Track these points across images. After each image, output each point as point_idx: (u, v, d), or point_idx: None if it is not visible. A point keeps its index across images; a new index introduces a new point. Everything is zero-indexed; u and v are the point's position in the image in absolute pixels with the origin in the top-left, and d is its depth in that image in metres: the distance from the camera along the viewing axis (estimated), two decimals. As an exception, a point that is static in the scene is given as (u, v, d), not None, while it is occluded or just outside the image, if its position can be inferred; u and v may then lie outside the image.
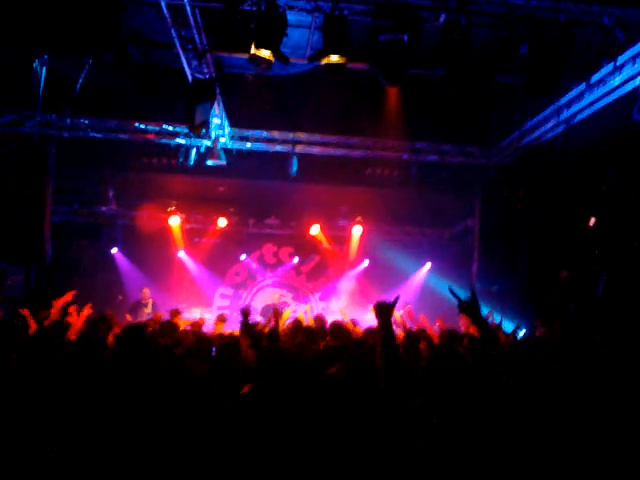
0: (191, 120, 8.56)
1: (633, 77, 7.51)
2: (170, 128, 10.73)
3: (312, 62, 6.88)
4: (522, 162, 10.64)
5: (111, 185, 12.89)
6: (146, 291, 11.00)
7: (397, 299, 3.34)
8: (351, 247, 14.16)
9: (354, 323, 7.43)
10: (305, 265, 14.74)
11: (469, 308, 3.32)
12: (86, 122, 10.70)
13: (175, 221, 13.29)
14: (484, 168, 11.51)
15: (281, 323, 6.64)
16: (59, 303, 5.97)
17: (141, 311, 10.43)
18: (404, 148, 11.09)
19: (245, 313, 7.08)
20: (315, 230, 13.75)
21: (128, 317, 8.69)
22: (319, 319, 7.01)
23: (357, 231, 13.75)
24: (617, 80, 7.74)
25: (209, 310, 13.86)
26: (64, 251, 11.78)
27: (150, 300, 10.87)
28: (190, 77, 8.25)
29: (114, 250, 13.57)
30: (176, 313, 8.10)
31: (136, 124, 10.74)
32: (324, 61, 6.70)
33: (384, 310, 3.25)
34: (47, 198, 11.19)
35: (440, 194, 12.13)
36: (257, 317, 7.87)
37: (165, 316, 7.99)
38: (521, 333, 8.34)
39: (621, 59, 7.46)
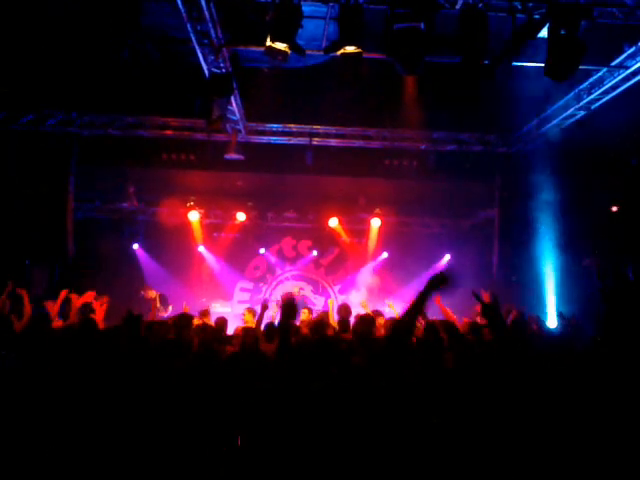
0: (208, 115, 8.58)
1: (654, 60, 7.39)
2: (188, 124, 10.82)
3: (328, 53, 6.83)
4: (542, 149, 10.50)
5: (131, 181, 12.99)
6: (147, 289, 10.88)
7: (451, 274, 3.19)
8: (370, 239, 14.12)
9: (378, 313, 7.35)
10: (324, 258, 14.73)
11: (489, 312, 3.29)
12: (105, 119, 10.83)
13: (194, 216, 13.36)
14: (503, 156, 11.39)
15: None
16: (79, 302, 6.05)
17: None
18: (422, 138, 11.03)
19: (264, 306, 7.11)
20: (334, 223, 13.73)
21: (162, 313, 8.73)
22: (345, 308, 6.95)
23: (376, 223, 13.70)
24: (638, 63, 7.61)
25: (229, 304, 13.94)
26: (87, 247, 11.92)
27: (155, 294, 10.69)
28: (207, 72, 8.27)
29: (135, 246, 13.70)
30: (205, 313, 8.01)
31: (155, 120, 10.84)
32: (340, 52, 6.67)
33: (435, 283, 3.15)
34: (69, 196, 11.35)
35: (459, 184, 12.03)
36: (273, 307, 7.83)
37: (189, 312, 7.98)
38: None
39: (642, 41, 7.34)
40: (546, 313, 10.43)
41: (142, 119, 10.85)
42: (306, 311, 8.29)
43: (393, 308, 8.14)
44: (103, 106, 10.50)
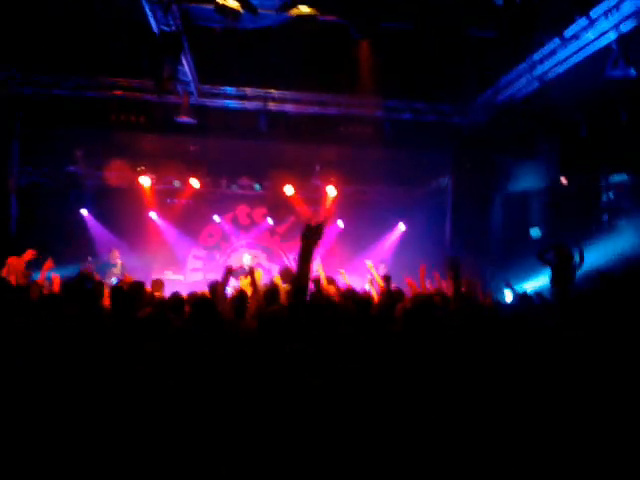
0: (158, 75, 8.30)
1: (607, 32, 7.44)
2: (138, 84, 10.43)
3: (281, 13, 6.66)
4: (496, 120, 10.58)
5: (79, 144, 12.53)
6: (115, 252, 10.81)
7: (323, 224, 3.29)
8: (325, 207, 14.09)
9: (331, 281, 7.34)
10: (280, 226, 14.65)
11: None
12: (50, 79, 10.34)
13: (146, 181, 13.03)
14: (458, 126, 11.44)
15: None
16: (18, 261, 5.82)
17: (110, 272, 10.26)
18: (377, 106, 10.93)
19: (229, 271, 6.96)
20: (289, 190, 13.62)
21: (96, 277, 8.51)
22: (287, 272, 6.91)
23: (331, 191, 13.66)
24: (591, 35, 7.65)
25: (182, 272, 13.77)
26: (32, 214, 11.48)
27: (119, 261, 10.70)
28: (156, 29, 7.95)
29: (84, 211, 13.30)
30: (159, 284, 7.74)
31: (103, 80, 10.41)
32: (294, 12, 6.52)
33: (310, 235, 3.21)
34: (12, 160, 10.87)
35: (414, 152, 12.06)
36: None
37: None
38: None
39: (594, 13, 7.36)
40: (498, 285, 10.64)
41: (89, 79, 10.40)
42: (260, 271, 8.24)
43: (345, 277, 8.15)
44: (49, 65, 10.02)
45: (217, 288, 6.20)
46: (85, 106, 10.75)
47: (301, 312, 3.07)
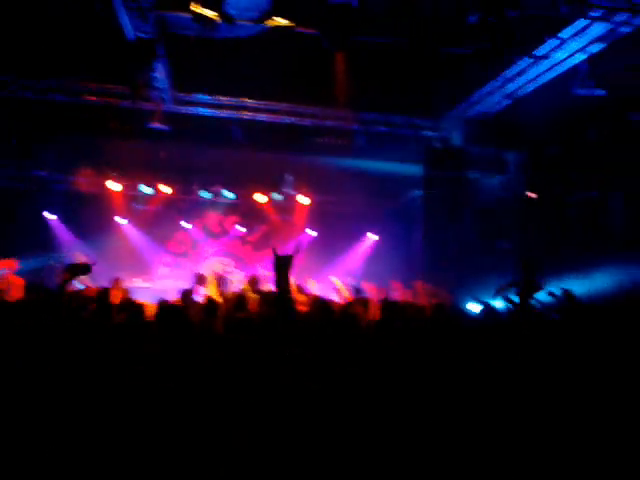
0: (133, 82, 8.22)
1: (576, 52, 7.68)
2: (112, 89, 10.30)
3: (259, 24, 6.68)
4: (468, 134, 10.76)
5: (49, 148, 12.30)
6: (80, 257, 10.56)
7: (296, 252, 3.34)
8: (297, 217, 14.10)
9: (301, 289, 7.37)
10: (251, 235, 14.59)
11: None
12: (19, 81, 10.14)
13: (115, 186, 12.85)
14: (430, 140, 11.59)
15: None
16: None
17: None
18: (353, 118, 11.03)
19: (200, 279, 6.94)
20: (261, 199, 13.59)
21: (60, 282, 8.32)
22: (254, 280, 6.93)
23: (304, 201, 13.68)
24: (560, 55, 7.89)
25: (150, 279, 13.56)
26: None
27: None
28: (131, 35, 7.88)
29: (51, 216, 13.04)
30: (117, 282, 7.79)
31: (76, 84, 10.26)
32: (271, 24, 6.54)
33: (282, 263, 3.25)
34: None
35: (387, 164, 12.16)
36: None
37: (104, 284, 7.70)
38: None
39: (565, 34, 7.58)
40: (468, 296, 10.75)
41: (61, 82, 10.24)
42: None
43: (314, 286, 8.19)
44: (18, 68, 9.83)
45: (187, 296, 6.18)
46: (56, 110, 10.57)
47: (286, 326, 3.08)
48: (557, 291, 5.66)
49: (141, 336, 4.11)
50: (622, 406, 3.06)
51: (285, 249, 3.36)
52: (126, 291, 7.30)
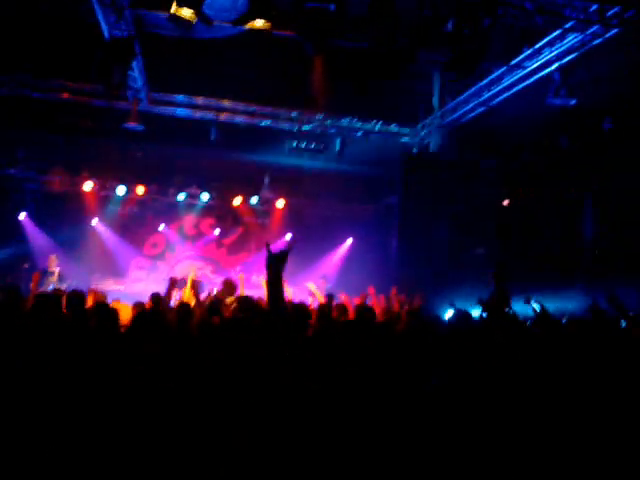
0: (107, 80, 8.11)
1: (550, 62, 7.80)
2: (87, 88, 10.17)
3: (236, 25, 6.65)
4: (444, 141, 10.86)
5: (20, 146, 12.07)
6: (53, 258, 10.36)
7: (289, 249, 3.28)
8: (274, 220, 14.05)
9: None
10: (227, 237, 14.47)
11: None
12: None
13: (89, 187, 12.67)
14: (407, 146, 11.68)
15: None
16: None
17: (46, 280, 9.83)
18: (331, 123, 11.07)
19: (173, 282, 6.83)
20: (238, 202, 13.51)
21: (32, 286, 8.16)
22: (229, 284, 6.86)
23: (280, 204, 13.64)
24: (535, 64, 8.01)
25: (123, 282, 13.37)
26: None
27: (57, 269, 10.26)
28: (107, 34, 7.80)
29: (22, 216, 12.79)
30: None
31: (51, 82, 10.11)
32: (249, 25, 6.51)
33: (277, 259, 3.21)
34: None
35: (365, 170, 12.23)
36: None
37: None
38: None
39: (539, 44, 7.72)
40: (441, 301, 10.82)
41: (35, 79, 10.09)
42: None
43: (289, 291, 8.14)
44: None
45: (160, 299, 6.09)
46: (29, 107, 10.40)
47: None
48: (534, 303, 5.71)
49: (116, 341, 4.04)
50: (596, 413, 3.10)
51: (276, 247, 3.29)
52: (101, 295, 7.08)
